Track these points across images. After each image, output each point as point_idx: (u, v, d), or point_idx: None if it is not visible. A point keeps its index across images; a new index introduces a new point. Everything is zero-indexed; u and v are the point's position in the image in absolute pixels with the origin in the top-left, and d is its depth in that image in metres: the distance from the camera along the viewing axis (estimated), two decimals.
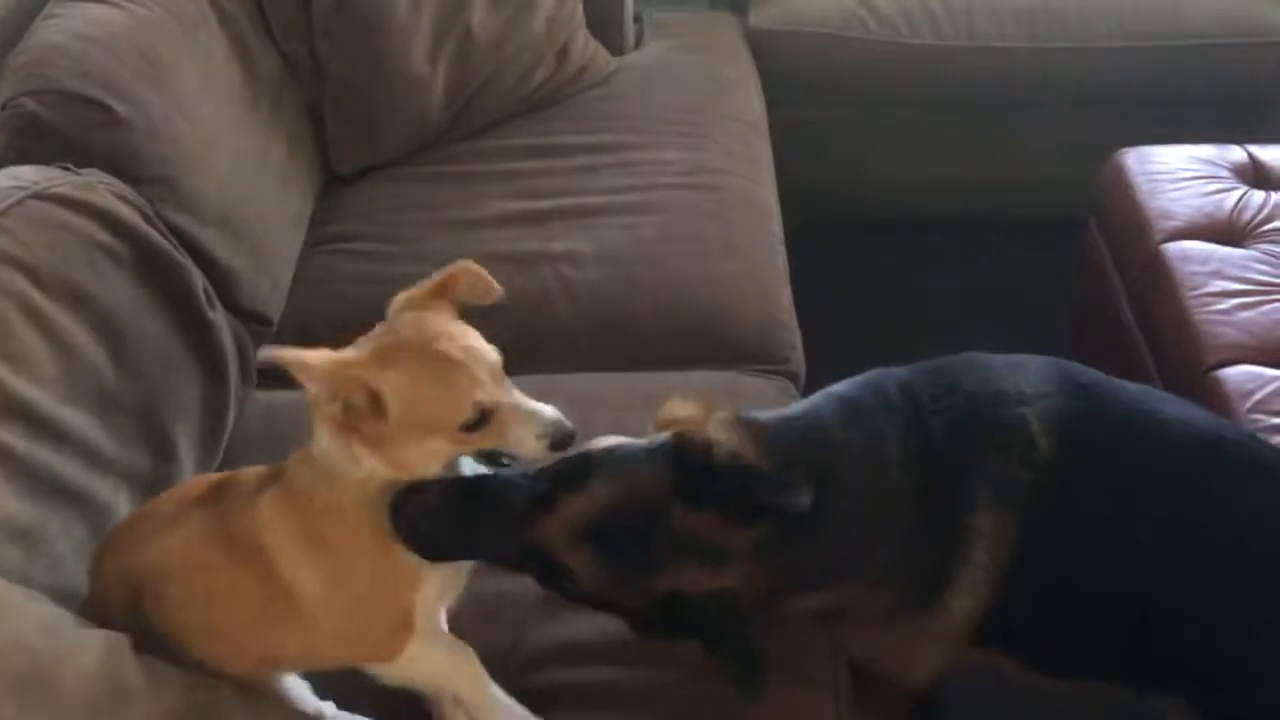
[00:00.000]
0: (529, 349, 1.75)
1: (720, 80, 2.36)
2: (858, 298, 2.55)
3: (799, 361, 1.82)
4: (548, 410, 1.08)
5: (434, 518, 1.06)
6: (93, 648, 1.02)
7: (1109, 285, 2.08)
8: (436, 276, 1.14)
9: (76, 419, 1.30)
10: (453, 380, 1.04)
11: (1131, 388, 1.34)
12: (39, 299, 1.30)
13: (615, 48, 2.39)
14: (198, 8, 1.79)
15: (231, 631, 1.13)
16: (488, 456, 1.12)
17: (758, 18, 2.56)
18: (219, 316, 1.60)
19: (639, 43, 2.49)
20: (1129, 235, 2.02)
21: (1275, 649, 1.23)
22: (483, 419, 1.06)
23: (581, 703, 1.27)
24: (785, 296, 1.91)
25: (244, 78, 1.86)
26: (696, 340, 1.78)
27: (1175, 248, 1.90)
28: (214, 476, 1.22)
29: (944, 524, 1.23)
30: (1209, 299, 1.79)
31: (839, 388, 1.30)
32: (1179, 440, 1.27)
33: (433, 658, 1.15)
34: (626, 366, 1.73)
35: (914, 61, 2.51)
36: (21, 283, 1.29)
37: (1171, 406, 1.33)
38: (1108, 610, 1.25)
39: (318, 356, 1.04)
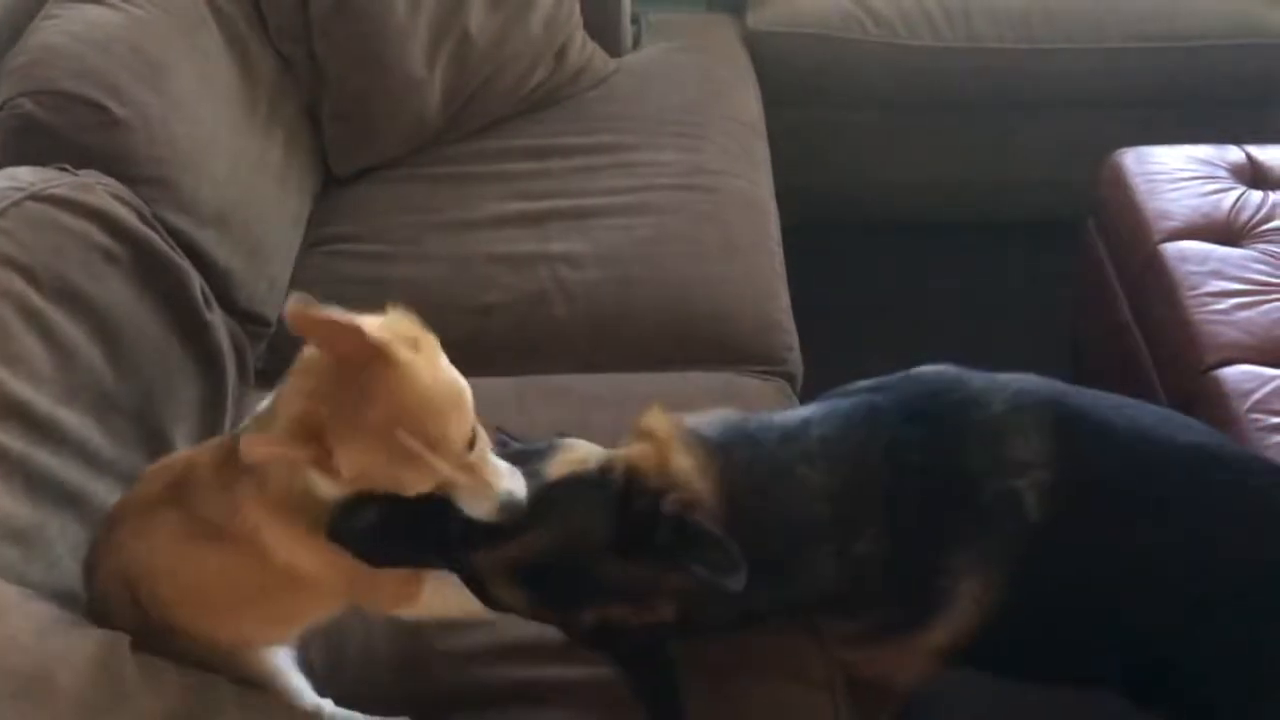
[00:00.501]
0: (527, 349, 1.77)
1: (718, 81, 2.36)
2: (855, 299, 2.55)
3: (796, 362, 1.82)
4: (502, 485, 1.04)
5: (371, 536, 1.05)
6: (90, 647, 1.02)
7: (1107, 285, 2.08)
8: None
9: (74, 420, 1.29)
10: (405, 472, 0.99)
11: (1124, 410, 1.28)
12: (37, 300, 1.30)
13: (613, 49, 2.39)
14: (195, 9, 1.79)
15: (238, 610, 1.14)
16: None
17: (755, 19, 2.56)
18: (216, 317, 1.60)
19: (637, 44, 2.48)
20: (1127, 235, 2.02)
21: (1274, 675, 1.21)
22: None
23: (568, 700, 1.27)
24: (783, 297, 1.91)
25: (242, 79, 1.86)
26: (694, 341, 1.78)
27: (1173, 248, 1.90)
28: (162, 473, 1.18)
29: (919, 581, 1.21)
30: (1208, 299, 1.79)
31: (817, 418, 1.23)
32: (1174, 466, 1.23)
33: (446, 594, 1.15)
34: (624, 367, 1.73)
35: (912, 63, 2.51)
36: (19, 284, 1.29)
37: (1166, 425, 1.29)
38: (1101, 635, 1.24)
39: (270, 446, 0.98)
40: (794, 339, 1.84)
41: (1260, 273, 1.83)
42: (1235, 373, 1.68)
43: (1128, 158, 2.11)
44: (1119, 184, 2.07)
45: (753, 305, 1.85)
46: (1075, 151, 2.34)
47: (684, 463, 1.14)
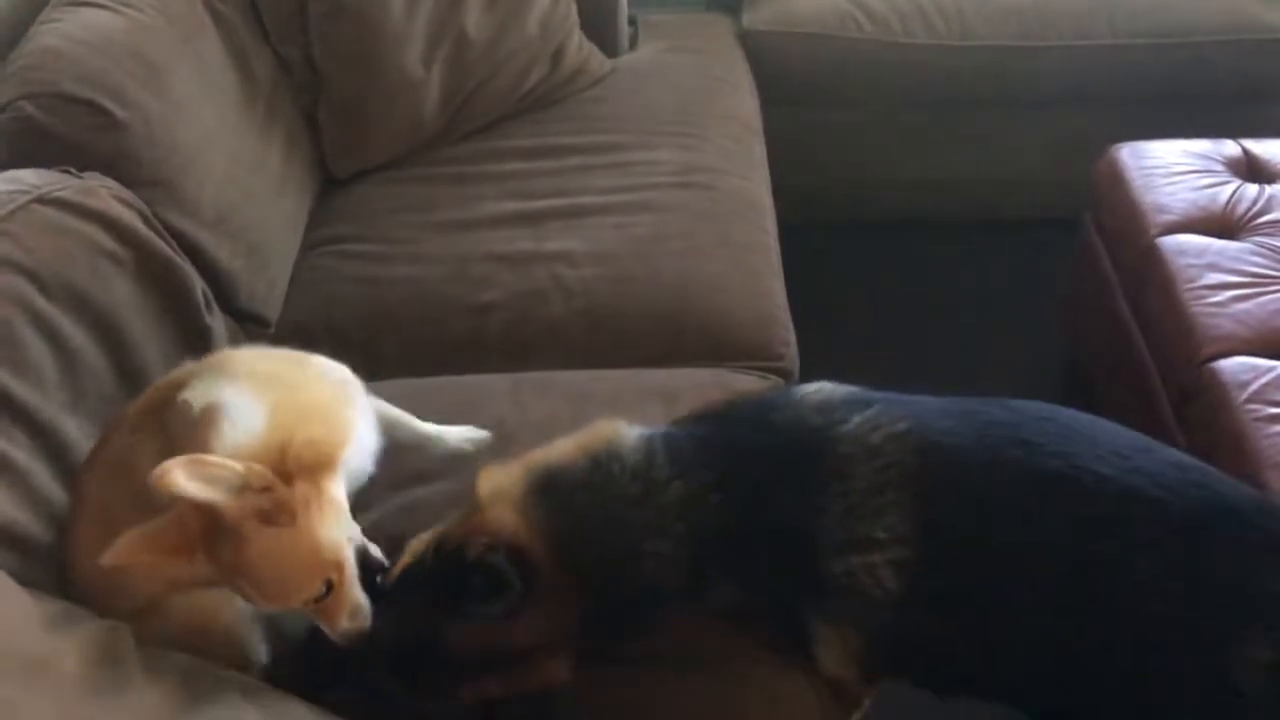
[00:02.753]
0: (524, 347, 1.78)
1: (714, 81, 2.37)
2: (853, 297, 2.56)
3: (793, 359, 1.82)
4: (342, 628, 1.11)
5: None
6: (94, 635, 1.04)
7: (1105, 280, 2.09)
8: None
9: (76, 428, 1.30)
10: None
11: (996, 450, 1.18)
12: (43, 304, 1.30)
13: (610, 49, 2.40)
14: (194, 12, 1.80)
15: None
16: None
17: (751, 19, 2.56)
18: (216, 321, 1.61)
19: (633, 45, 2.49)
20: (1124, 230, 2.03)
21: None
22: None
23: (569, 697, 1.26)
24: (779, 294, 1.91)
25: (240, 81, 1.87)
26: (690, 337, 1.79)
27: (1170, 241, 1.91)
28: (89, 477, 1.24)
29: (783, 626, 1.21)
30: (1204, 291, 1.80)
31: (669, 461, 1.19)
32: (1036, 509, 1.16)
33: None
34: (621, 363, 1.73)
35: (907, 61, 2.52)
36: (26, 288, 1.29)
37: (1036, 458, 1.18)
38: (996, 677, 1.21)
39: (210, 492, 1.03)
40: (790, 336, 1.84)
41: (1257, 265, 1.84)
42: (1232, 364, 1.68)
43: (1124, 152, 2.12)
44: (1116, 179, 2.08)
45: (749, 302, 1.85)
46: (1071, 148, 2.35)
47: (501, 514, 1.16)
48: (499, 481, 1.20)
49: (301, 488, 1.08)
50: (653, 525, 1.16)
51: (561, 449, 1.22)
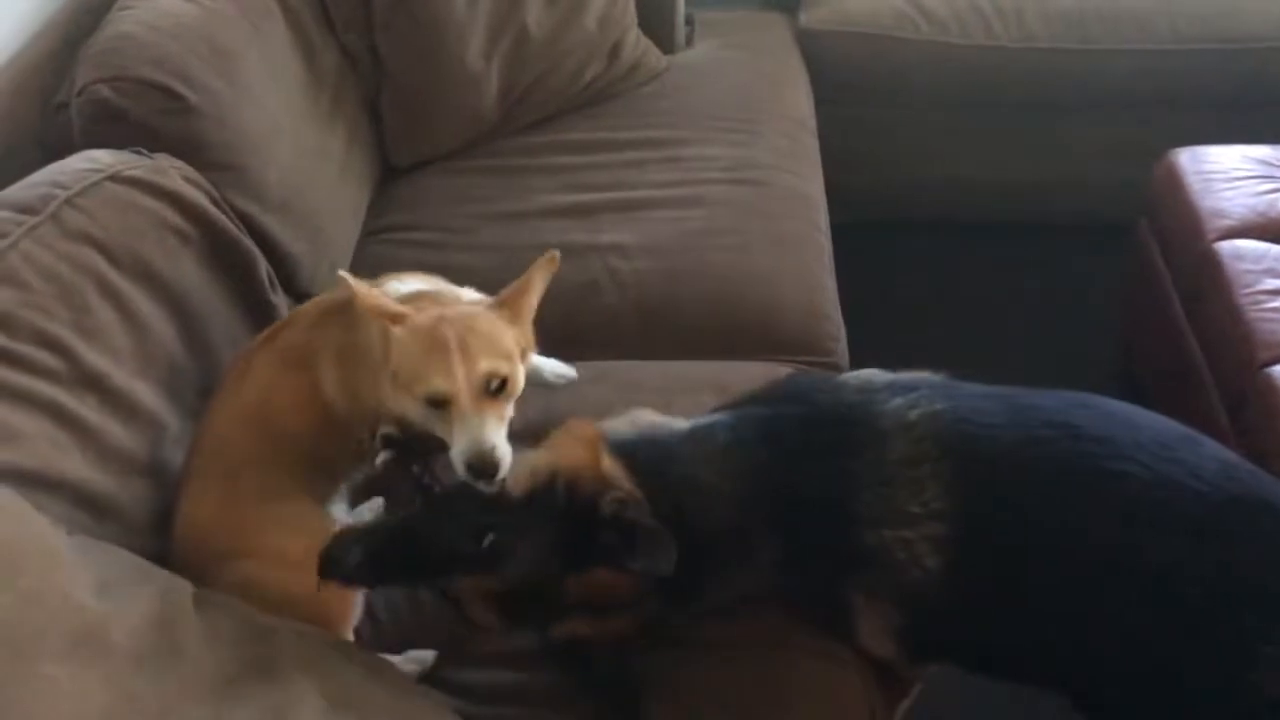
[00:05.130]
0: (577, 337, 1.79)
1: (769, 79, 2.38)
2: (903, 295, 2.56)
3: (842, 354, 1.83)
4: (488, 443, 1.17)
5: (363, 568, 1.11)
6: (148, 603, 1.03)
7: (1160, 284, 2.07)
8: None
9: (148, 393, 1.34)
10: (431, 359, 1.19)
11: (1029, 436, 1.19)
12: (115, 277, 1.35)
13: (666, 46, 2.42)
14: (263, 2, 1.84)
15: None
16: (420, 464, 1.24)
17: (808, 18, 2.57)
18: (279, 299, 1.65)
19: (690, 42, 2.51)
20: (1181, 234, 2.01)
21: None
22: (442, 404, 1.19)
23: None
24: (830, 290, 1.92)
25: (306, 70, 1.91)
26: (741, 330, 1.80)
27: (1228, 246, 1.89)
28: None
29: (821, 595, 1.24)
30: (1262, 296, 1.78)
31: (725, 427, 1.25)
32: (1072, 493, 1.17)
33: None
34: (671, 355, 1.75)
35: (964, 62, 2.51)
36: (98, 261, 1.34)
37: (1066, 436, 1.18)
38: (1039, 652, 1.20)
39: (368, 297, 1.26)
40: (840, 330, 1.85)
41: None
42: None
43: (1182, 157, 2.10)
44: (1174, 183, 2.07)
45: (799, 297, 1.86)
46: (1127, 152, 2.34)
47: (610, 465, 1.19)
48: (618, 429, 1.25)
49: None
50: (724, 493, 1.19)
51: (654, 418, 1.28)
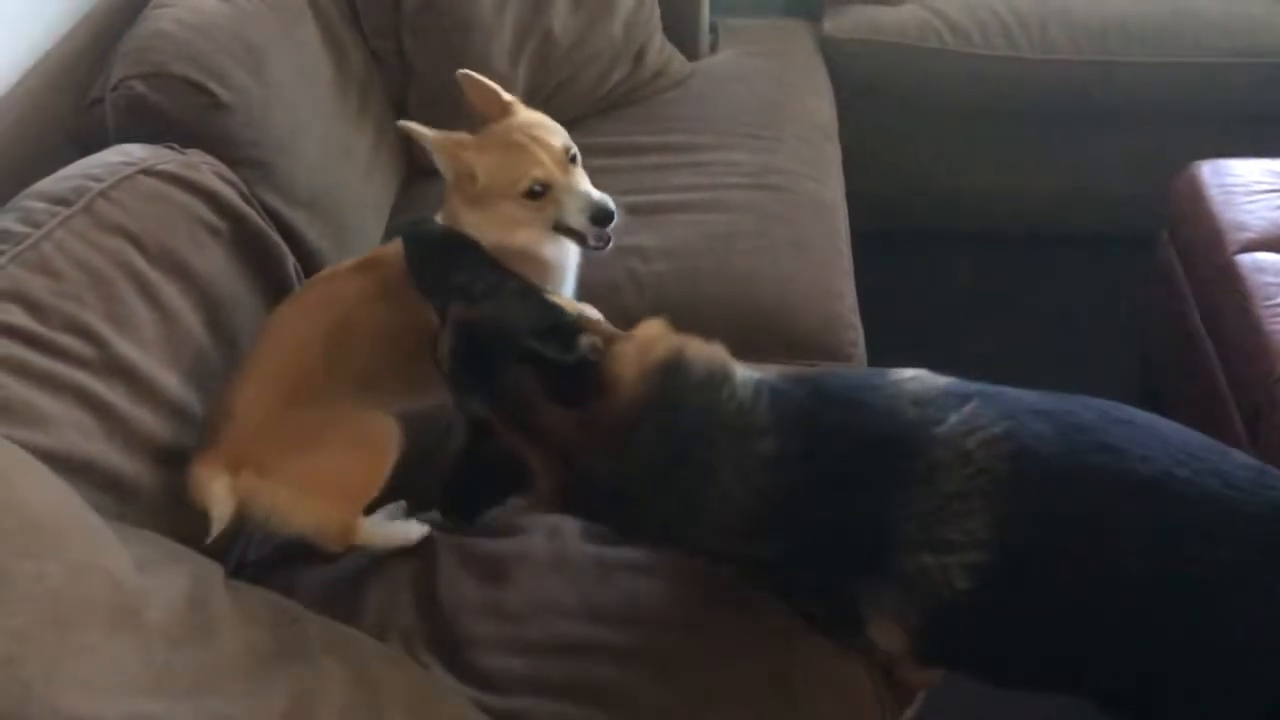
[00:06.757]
0: None
1: (792, 86, 2.40)
2: (921, 304, 2.56)
3: (861, 359, 1.84)
4: (594, 193, 1.43)
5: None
6: (182, 582, 1.06)
7: (1180, 296, 2.07)
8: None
9: (174, 382, 1.37)
10: (518, 160, 1.41)
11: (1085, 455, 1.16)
12: (145, 267, 1.38)
13: (690, 53, 2.45)
14: (295, 2, 1.88)
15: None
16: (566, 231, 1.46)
17: (832, 26, 2.59)
18: None
19: (713, 49, 2.53)
20: (1202, 246, 2.01)
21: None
22: (543, 191, 1.41)
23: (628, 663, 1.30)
24: (849, 295, 1.93)
25: (335, 71, 1.94)
26: (760, 333, 1.80)
27: (1249, 259, 1.89)
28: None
29: (835, 597, 1.23)
30: None
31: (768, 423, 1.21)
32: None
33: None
34: None
35: (987, 73, 2.52)
36: (130, 252, 1.37)
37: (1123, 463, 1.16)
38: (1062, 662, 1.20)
39: (440, 135, 1.44)
40: (859, 335, 1.86)
41: None
42: None
43: (1204, 170, 2.11)
44: (1195, 195, 2.07)
45: (818, 301, 1.88)
46: (1149, 165, 2.34)
47: (627, 349, 1.23)
48: (652, 333, 1.28)
49: None
50: (734, 463, 1.18)
51: (700, 347, 1.27)
